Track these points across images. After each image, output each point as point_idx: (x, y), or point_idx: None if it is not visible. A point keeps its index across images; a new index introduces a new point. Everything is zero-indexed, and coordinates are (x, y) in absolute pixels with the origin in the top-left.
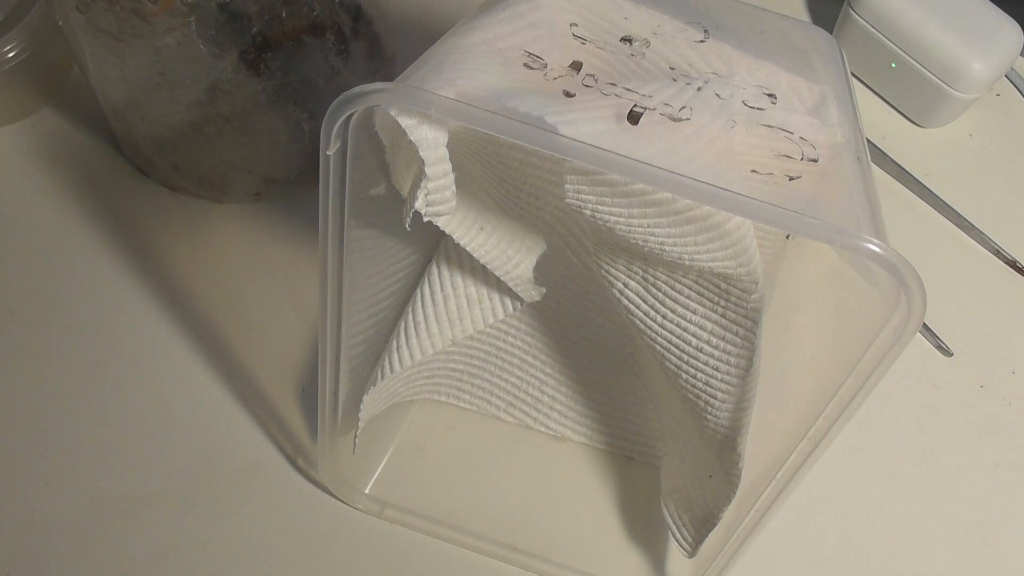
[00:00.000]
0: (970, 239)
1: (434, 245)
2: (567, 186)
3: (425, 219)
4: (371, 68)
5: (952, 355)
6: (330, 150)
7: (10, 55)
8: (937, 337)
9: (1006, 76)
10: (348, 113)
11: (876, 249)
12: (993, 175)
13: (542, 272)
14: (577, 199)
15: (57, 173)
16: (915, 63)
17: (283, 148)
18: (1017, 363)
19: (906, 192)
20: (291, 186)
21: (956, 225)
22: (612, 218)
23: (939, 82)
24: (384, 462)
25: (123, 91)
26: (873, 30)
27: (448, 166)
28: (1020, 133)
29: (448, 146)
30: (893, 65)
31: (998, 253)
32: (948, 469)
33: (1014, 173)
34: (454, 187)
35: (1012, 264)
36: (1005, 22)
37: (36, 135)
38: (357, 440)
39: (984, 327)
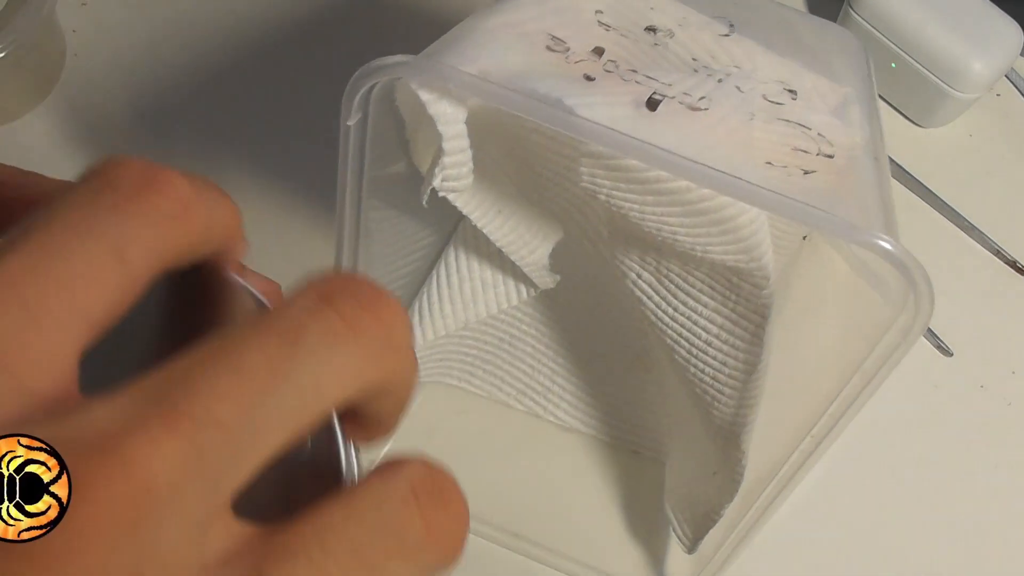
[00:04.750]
0: (970, 239)
1: (452, 229)
2: (582, 168)
3: (440, 194)
4: None
5: (952, 355)
6: (350, 120)
7: (1, 55)
8: (937, 337)
9: (1006, 76)
10: (370, 84)
11: (887, 246)
12: (993, 175)
13: (559, 261)
14: (592, 183)
15: (52, 174)
16: (915, 63)
17: None
18: (1017, 363)
19: (906, 192)
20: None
21: (956, 225)
22: (626, 204)
23: (939, 82)
24: (391, 443)
25: None
26: (873, 30)
27: (466, 143)
28: (1020, 133)
29: (470, 127)
30: (893, 65)
31: (998, 253)
32: (948, 469)
33: (1014, 173)
34: (471, 164)
35: (1012, 264)
36: (1005, 22)
37: (29, 136)
38: None
39: (984, 327)
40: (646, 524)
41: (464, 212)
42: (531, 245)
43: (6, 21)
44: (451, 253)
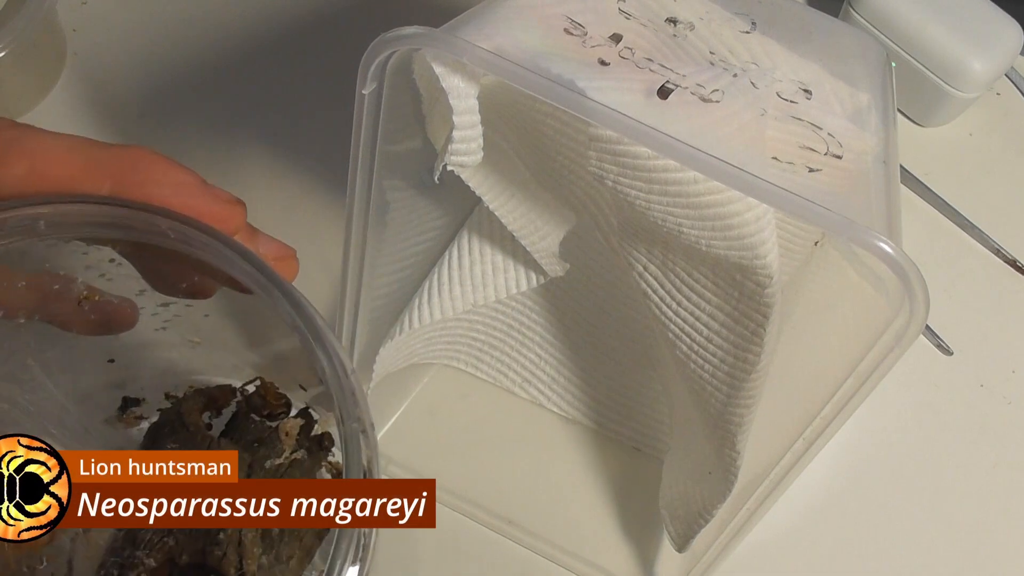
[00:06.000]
0: (970, 239)
1: (467, 213)
2: (590, 153)
3: (448, 168)
4: None
5: (952, 355)
6: (366, 89)
7: (1, 54)
8: (937, 336)
9: (1006, 76)
10: (386, 54)
11: (887, 248)
12: (993, 175)
13: (570, 252)
14: (600, 168)
15: None
16: (915, 63)
17: None
18: (1017, 363)
19: (906, 192)
20: None
21: (956, 225)
22: (632, 192)
23: (939, 82)
24: (394, 419)
25: None
26: (873, 29)
27: (477, 118)
28: (1020, 133)
29: (487, 108)
30: (893, 65)
31: (998, 253)
32: (948, 469)
33: (1014, 173)
34: (481, 140)
35: (1012, 264)
36: (1005, 22)
37: None
38: (369, 393)
39: (984, 327)
40: (641, 521)
41: (477, 192)
42: (542, 231)
43: (6, 21)
44: (464, 236)
